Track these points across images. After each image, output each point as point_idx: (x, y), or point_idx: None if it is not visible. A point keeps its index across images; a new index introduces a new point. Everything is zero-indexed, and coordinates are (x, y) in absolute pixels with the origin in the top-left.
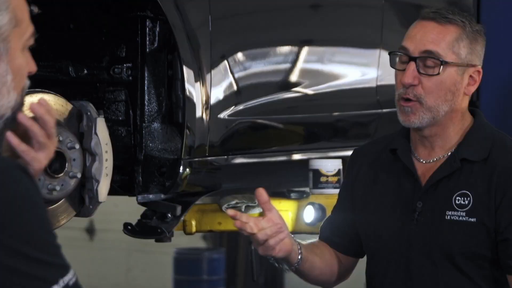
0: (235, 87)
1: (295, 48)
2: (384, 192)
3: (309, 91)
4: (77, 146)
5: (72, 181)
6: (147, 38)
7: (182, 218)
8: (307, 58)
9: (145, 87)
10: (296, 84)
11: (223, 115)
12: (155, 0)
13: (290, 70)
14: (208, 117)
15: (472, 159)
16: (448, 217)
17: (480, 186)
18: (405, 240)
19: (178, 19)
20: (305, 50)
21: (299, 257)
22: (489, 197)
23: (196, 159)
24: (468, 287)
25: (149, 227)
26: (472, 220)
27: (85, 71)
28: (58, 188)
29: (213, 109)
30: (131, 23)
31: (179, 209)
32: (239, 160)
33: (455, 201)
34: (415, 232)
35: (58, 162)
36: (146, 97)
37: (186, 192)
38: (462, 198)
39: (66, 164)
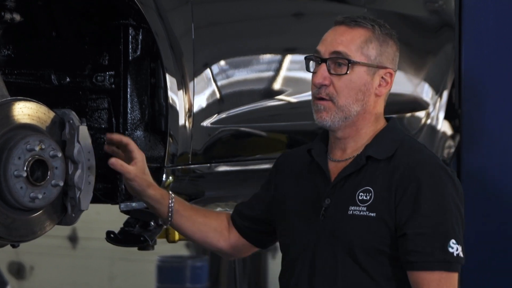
0: (218, 95)
1: (278, 56)
2: (300, 191)
3: (292, 99)
4: (60, 154)
5: (54, 189)
6: (130, 46)
7: (165, 226)
8: (290, 66)
9: (128, 95)
10: (279, 92)
11: (206, 123)
12: (138, 8)
13: (273, 78)
14: (191, 125)
15: (377, 157)
16: (351, 212)
17: (382, 182)
18: (313, 236)
19: (161, 27)
20: (288, 58)
21: (170, 207)
22: (389, 193)
23: (179, 167)
24: (367, 283)
25: (132, 235)
26: (372, 215)
27: (68, 79)
28: (40, 196)
29: (196, 117)
30: (114, 31)
31: None
32: (222, 168)
33: (358, 197)
34: (321, 228)
35: (40, 171)
36: (129, 105)
37: None
38: (365, 194)
39: (48, 173)
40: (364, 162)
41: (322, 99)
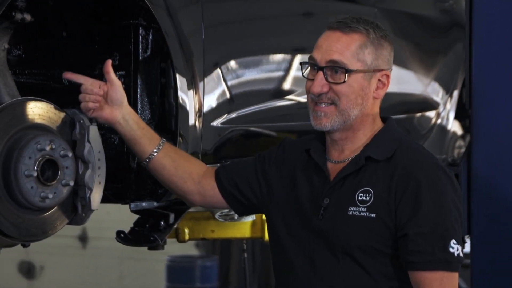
0: (228, 95)
1: (288, 56)
2: (296, 188)
3: (302, 99)
4: (70, 154)
5: (64, 189)
6: (140, 46)
7: (175, 226)
8: (300, 66)
9: (138, 95)
10: (289, 92)
11: (216, 123)
12: (148, 8)
13: (283, 78)
14: (201, 125)
15: (376, 158)
16: (350, 212)
17: (382, 183)
18: (311, 234)
19: (171, 27)
20: (298, 58)
21: (153, 153)
22: (389, 194)
23: None
24: (366, 282)
25: (142, 235)
26: (372, 215)
27: None
28: (50, 196)
29: (206, 117)
30: (124, 31)
31: (172, 217)
32: None
33: (358, 198)
34: (320, 227)
35: (50, 170)
36: (139, 105)
37: (179, 199)
38: (365, 195)
39: (59, 172)
40: (363, 163)
41: (323, 104)
